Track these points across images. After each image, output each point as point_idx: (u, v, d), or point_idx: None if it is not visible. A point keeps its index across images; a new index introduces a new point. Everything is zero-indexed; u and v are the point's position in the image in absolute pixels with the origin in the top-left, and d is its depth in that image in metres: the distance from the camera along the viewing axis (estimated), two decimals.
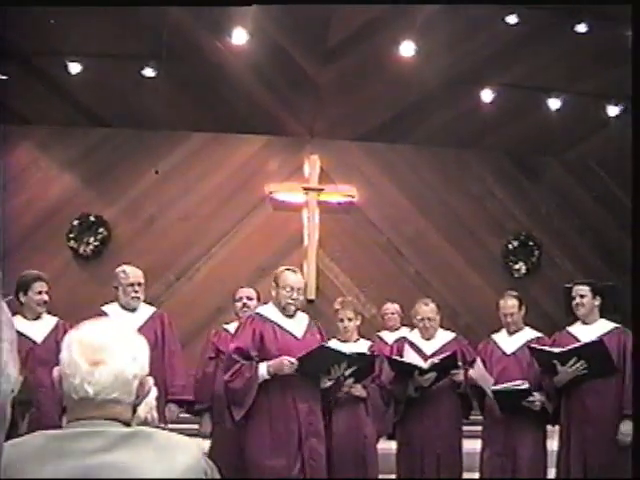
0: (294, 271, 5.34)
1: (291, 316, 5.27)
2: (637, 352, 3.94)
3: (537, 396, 5.57)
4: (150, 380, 1.86)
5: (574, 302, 5.70)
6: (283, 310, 5.23)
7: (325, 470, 5.08)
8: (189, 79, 9.46)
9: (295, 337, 5.21)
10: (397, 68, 8.91)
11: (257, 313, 5.39)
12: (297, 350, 5.03)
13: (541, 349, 5.60)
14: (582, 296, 5.65)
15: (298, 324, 5.29)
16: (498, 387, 5.64)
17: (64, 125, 9.90)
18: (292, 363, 4.93)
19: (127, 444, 1.66)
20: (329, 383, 5.16)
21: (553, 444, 5.77)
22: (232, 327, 6.11)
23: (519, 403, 5.58)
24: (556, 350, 5.49)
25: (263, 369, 5.01)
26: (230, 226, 10.34)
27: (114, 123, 10.05)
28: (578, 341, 5.55)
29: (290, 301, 5.20)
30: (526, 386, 5.55)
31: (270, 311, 5.30)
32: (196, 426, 6.15)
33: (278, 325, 5.21)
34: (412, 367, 5.69)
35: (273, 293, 5.31)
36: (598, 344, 5.35)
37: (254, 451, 5.05)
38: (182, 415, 6.16)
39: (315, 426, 5.05)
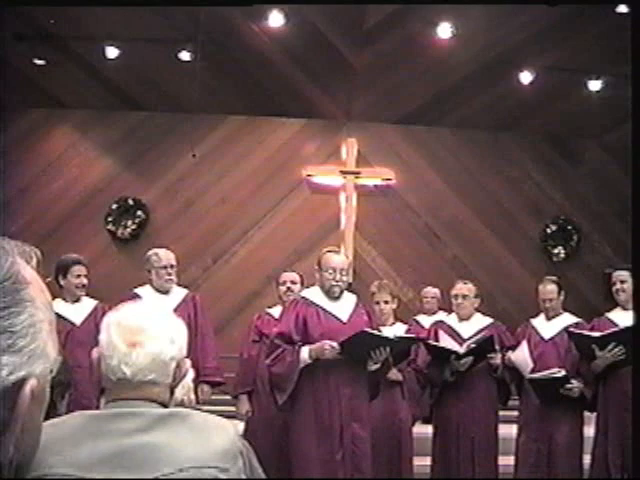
0: (337, 252, 5.35)
1: (337, 298, 5.19)
2: (637, 350, 3.88)
3: (575, 383, 5.52)
4: (187, 362, 1.88)
5: (614, 288, 5.64)
6: (327, 293, 5.16)
7: (369, 456, 4.98)
8: (225, 62, 9.47)
9: (340, 320, 5.12)
10: (434, 50, 8.86)
11: (301, 297, 5.34)
12: (342, 334, 4.92)
13: (580, 333, 5.56)
14: (623, 282, 5.58)
15: (343, 307, 5.20)
16: (535, 375, 5.61)
17: (102, 109, 9.99)
18: (333, 347, 4.86)
19: (163, 425, 1.67)
20: (375, 366, 5.06)
21: (589, 430, 5.71)
22: (275, 311, 6.14)
23: (557, 392, 5.53)
24: (595, 334, 5.44)
25: (305, 353, 4.94)
26: (267, 209, 10.37)
27: (151, 107, 10.11)
28: (617, 327, 5.49)
29: (334, 283, 5.12)
30: (563, 373, 5.50)
31: (314, 294, 5.24)
32: (233, 408, 6.19)
33: (322, 308, 5.14)
34: (449, 351, 5.67)
35: (317, 276, 5.25)
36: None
37: (297, 437, 5.04)
38: (219, 397, 6.20)
39: (358, 411, 4.97)
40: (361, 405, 5.01)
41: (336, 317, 5.14)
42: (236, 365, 6.29)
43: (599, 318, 5.82)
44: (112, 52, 8.91)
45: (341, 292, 5.23)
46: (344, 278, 5.22)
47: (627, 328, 5.33)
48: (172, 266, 5.92)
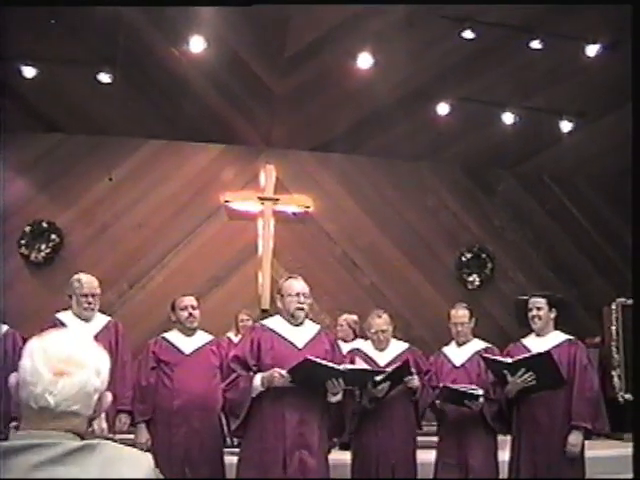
0: (296, 278, 5.26)
1: (298, 325, 5.18)
2: (637, 348, 3.97)
3: (480, 400, 5.62)
4: (109, 395, 1.84)
5: (530, 314, 5.76)
6: (292, 317, 5.14)
7: None
8: (145, 86, 9.40)
9: (295, 346, 5.08)
10: (354, 80, 8.96)
11: (261, 323, 5.33)
12: (295, 360, 4.87)
13: (492, 359, 5.65)
14: (539, 308, 5.71)
15: (302, 334, 5.17)
16: (453, 385, 5.69)
17: (17, 130, 9.75)
18: (282, 376, 4.82)
19: (75, 458, 1.63)
20: (335, 398, 5.03)
21: (505, 454, 5.81)
22: (172, 336, 6.05)
23: (462, 402, 5.63)
24: (507, 360, 5.55)
25: (257, 381, 4.92)
26: (185, 235, 10.29)
27: (68, 128, 9.94)
28: (530, 352, 5.61)
29: (299, 306, 5.12)
30: (479, 392, 5.60)
31: (274, 321, 5.23)
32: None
33: (278, 334, 5.11)
34: (365, 379, 5.68)
35: (279, 304, 5.23)
36: (546, 356, 5.41)
37: (242, 463, 5.01)
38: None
39: (307, 438, 4.90)
40: (310, 432, 4.92)
41: (291, 343, 5.10)
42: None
43: (514, 344, 5.93)
44: (29, 72, 8.73)
45: (305, 318, 5.22)
46: (308, 301, 5.21)
47: (538, 354, 5.45)
48: (93, 295, 5.81)
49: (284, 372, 4.84)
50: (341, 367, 5.01)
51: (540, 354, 5.44)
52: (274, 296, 9.78)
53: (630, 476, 3.71)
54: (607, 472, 7.06)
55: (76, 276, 5.84)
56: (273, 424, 4.88)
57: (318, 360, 4.86)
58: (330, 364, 4.95)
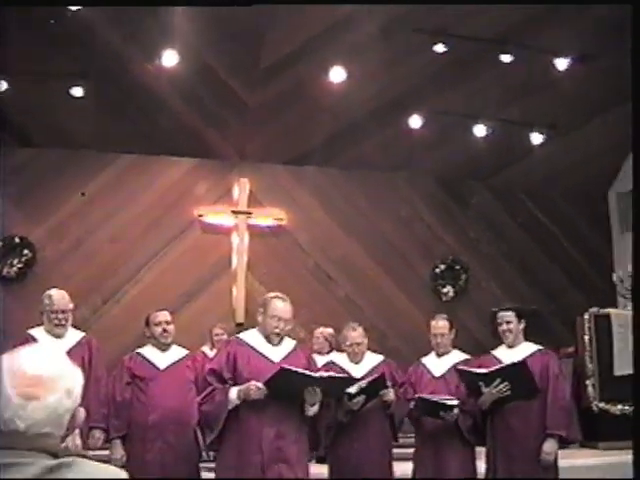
0: (283, 300, 5.14)
1: (275, 343, 5.13)
2: (637, 348, 3.99)
3: (455, 411, 5.64)
4: (82, 412, 1.82)
5: (500, 329, 5.80)
6: (267, 338, 5.10)
7: None
8: (118, 100, 9.36)
9: (271, 361, 5.03)
10: (327, 93, 9.00)
11: (237, 337, 5.30)
12: (271, 374, 4.85)
13: (467, 370, 5.68)
14: (508, 322, 5.75)
15: (278, 349, 5.13)
16: (427, 396, 5.71)
17: None
18: (259, 388, 4.79)
19: (52, 476, 1.62)
20: (312, 410, 4.99)
21: (482, 465, 5.83)
22: (147, 351, 6.02)
23: (437, 413, 5.64)
24: (481, 371, 5.57)
25: (233, 394, 4.87)
26: (158, 249, 10.25)
27: (41, 143, 9.88)
28: (502, 364, 5.64)
29: (276, 331, 5.06)
30: (454, 402, 5.62)
31: (251, 336, 5.18)
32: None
33: (254, 349, 5.07)
34: (341, 387, 5.68)
35: (259, 319, 5.16)
36: (521, 365, 5.44)
37: (219, 477, 4.99)
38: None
39: (285, 452, 4.86)
40: (288, 446, 4.88)
41: (267, 358, 5.06)
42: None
43: (485, 355, 5.97)
44: (0, 85, 8.67)
45: (281, 339, 5.17)
46: (287, 328, 5.12)
47: (513, 364, 5.48)
48: (64, 311, 5.77)
49: (260, 384, 4.82)
50: (316, 375, 4.99)
51: (515, 364, 5.47)
52: (249, 309, 9.89)
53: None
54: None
55: (47, 292, 5.80)
56: (250, 438, 4.84)
57: (293, 368, 4.83)
58: (306, 372, 4.92)
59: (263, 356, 5.08)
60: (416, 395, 5.84)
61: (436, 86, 9.24)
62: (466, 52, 8.72)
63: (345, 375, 5.73)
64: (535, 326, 6.06)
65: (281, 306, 5.10)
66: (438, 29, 8.41)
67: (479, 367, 5.78)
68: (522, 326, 5.79)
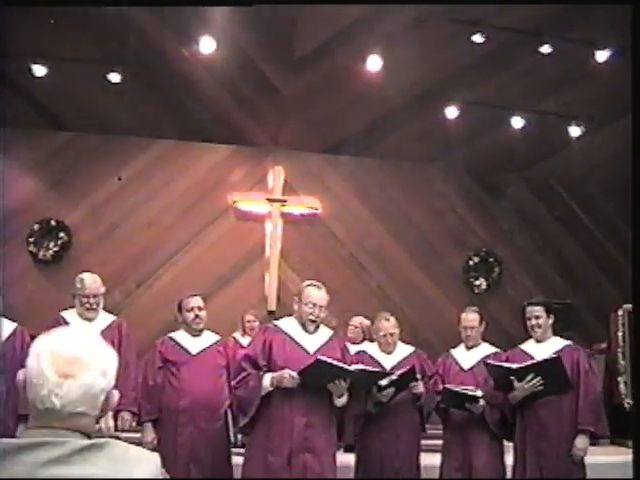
0: (318, 287, 5.19)
1: (310, 330, 5.18)
2: (637, 349, 3.97)
3: (481, 402, 5.62)
4: (116, 394, 1.84)
5: (529, 323, 5.73)
6: (303, 325, 5.16)
7: None
8: (155, 86, 9.42)
9: (307, 351, 5.08)
10: (363, 82, 8.96)
11: (274, 324, 5.33)
12: (305, 364, 4.90)
13: (498, 365, 5.64)
14: (537, 317, 5.68)
15: (314, 339, 5.17)
16: (453, 387, 5.70)
17: (27, 128, 9.78)
18: (293, 377, 4.85)
19: (83, 457, 1.63)
20: (341, 401, 5.04)
21: (510, 459, 5.80)
22: (179, 336, 6.04)
23: (463, 404, 5.64)
24: (514, 366, 5.53)
25: (267, 380, 4.94)
26: (193, 235, 10.31)
27: (78, 127, 9.98)
28: (531, 358, 5.59)
29: (312, 317, 5.10)
30: (479, 393, 5.60)
31: (287, 323, 5.23)
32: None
33: (290, 337, 5.12)
34: (374, 380, 5.68)
35: (295, 307, 5.22)
36: (555, 361, 5.40)
37: (247, 464, 5.02)
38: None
39: (312, 441, 4.90)
40: (316, 436, 4.93)
41: (303, 348, 5.11)
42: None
43: (513, 350, 5.92)
44: (39, 70, 8.77)
45: (317, 326, 5.21)
46: (322, 314, 5.16)
47: (544, 361, 5.44)
48: (95, 295, 5.80)
49: (294, 374, 4.86)
50: (350, 368, 5.03)
51: (550, 359, 5.43)
52: (281, 297, 9.92)
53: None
54: (612, 478, 7.05)
55: (79, 276, 5.84)
56: (280, 426, 4.90)
57: (329, 360, 4.87)
58: (341, 364, 4.96)
59: (299, 345, 5.12)
60: (441, 386, 5.84)
61: (473, 77, 9.17)
62: (504, 42, 8.64)
63: (379, 369, 5.74)
64: (569, 320, 6.02)
65: (316, 293, 5.15)
66: (476, 19, 8.33)
67: (507, 361, 5.75)
68: (551, 321, 5.73)
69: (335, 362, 4.92)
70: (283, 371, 4.90)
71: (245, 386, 5.01)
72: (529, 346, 5.80)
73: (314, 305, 5.11)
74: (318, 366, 4.82)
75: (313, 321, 5.14)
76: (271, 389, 4.94)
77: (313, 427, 4.94)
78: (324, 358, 4.85)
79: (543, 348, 5.69)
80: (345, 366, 5.00)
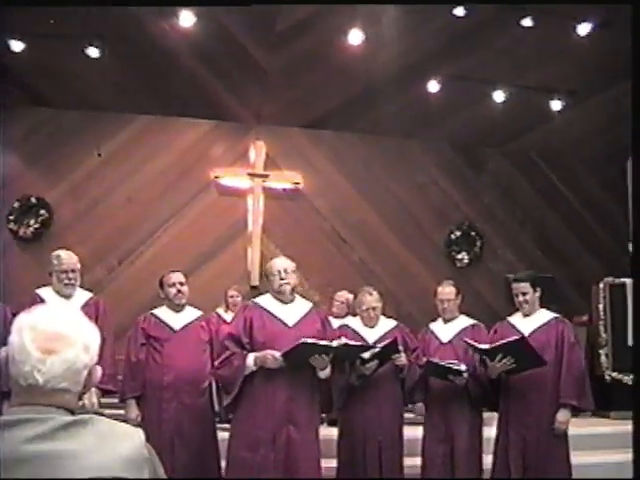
0: (280, 257, 5.43)
1: (288, 303, 5.24)
2: (637, 346, 3.98)
3: (464, 375, 5.66)
4: (99, 370, 1.84)
5: (517, 300, 5.75)
6: (279, 295, 5.21)
7: (308, 459, 4.98)
8: (134, 61, 9.35)
9: (286, 325, 5.14)
10: (345, 56, 8.94)
11: (253, 301, 5.38)
12: (286, 338, 4.94)
13: (471, 344, 5.68)
14: (524, 293, 5.70)
15: (293, 312, 5.23)
16: (436, 360, 5.74)
17: (5, 104, 9.68)
18: (276, 359, 4.89)
19: (68, 432, 1.64)
20: (324, 373, 5.09)
21: (491, 431, 5.85)
22: (160, 312, 6.04)
23: (446, 376, 5.69)
24: (483, 346, 5.57)
25: (250, 360, 4.99)
26: (174, 210, 10.29)
27: (57, 103, 9.89)
28: (518, 332, 5.63)
29: (282, 282, 5.17)
30: (462, 367, 5.65)
31: (265, 299, 5.29)
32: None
33: (269, 312, 5.17)
34: (353, 356, 5.71)
35: (269, 285, 5.31)
36: (520, 341, 5.43)
37: (232, 440, 5.06)
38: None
39: (295, 414, 4.96)
40: (298, 408, 4.99)
41: (282, 321, 5.16)
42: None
43: (501, 322, 5.95)
44: (17, 46, 8.67)
45: (293, 295, 5.28)
46: (290, 277, 5.22)
47: (513, 341, 5.46)
48: (73, 271, 5.77)
49: (277, 354, 4.90)
50: (334, 344, 5.06)
51: (515, 340, 5.45)
52: (264, 272, 9.89)
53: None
54: (593, 449, 7.14)
55: (55, 253, 5.81)
56: (263, 401, 4.95)
57: (313, 341, 4.91)
58: (324, 343, 5.00)
59: (278, 319, 5.17)
60: (425, 358, 5.88)
61: (454, 51, 9.15)
62: (485, 16, 8.62)
63: (362, 343, 5.77)
64: (550, 293, 6.04)
65: (277, 261, 5.32)
66: None
67: (495, 335, 5.79)
68: (538, 294, 5.77)
69: (319, 342, 4.95)
70: (266, 351, 4.94)
71: (229, 365, 5.05)
72: (516, 319, 5.83)
73: (278, 271, 5.19)
74: (302, 347, 4.86)
75: (285, 284, 5.18)
76: (254, 369, 4.98)
77: (295, 401, 4.99)
78: (308, 340, 4.88)
79: (530, 322, 5.72)
80: (328, 343, 5.03)
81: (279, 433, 4.92)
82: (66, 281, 5.74)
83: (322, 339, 5.07)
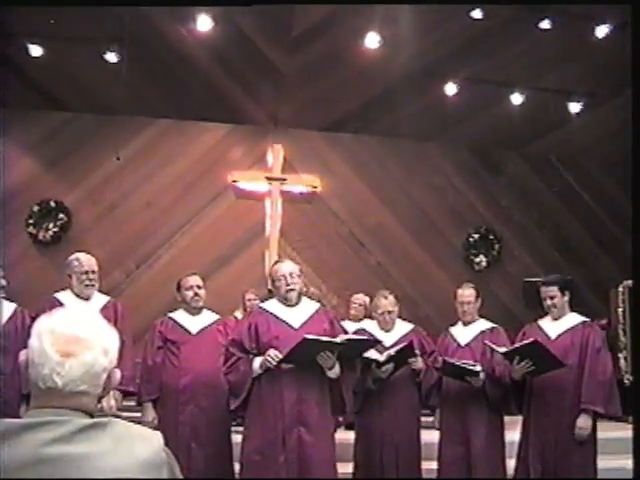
0: (282, 261, 5.38)
1: (294, 306, 5.22)
2: (637, 348, 3.97)
3: (481, 376, 5.64)
4: (117, 373, 1.84)
5: (545, 303, 5.71)
6: (285, 300, 5.18)
7: (319, 460, 4.95)
8: (152, 65, 9.38)
9: (292, 327, 5.12)
10: (362, 59, 8.93)
11: (258, 306, 5.41)
12: (293, 340, 4.90)
13: (491, 347, 5.66)
14: (552, 297, 5.66)
15: (298, 314, 5.21)
16: (453, 360, 5.72)
17: (24, 108, 9.75)
18: (273, 359, 4.88)
19: (86, 435, 1.64)
20: (333, 372, 5.04)
21: (515, 435, 5.82)
22: (178, 316, 6.06)
23: (462, 377, 5.67)
24: (501, 350, 5.55)
25: (256, 363, 4.99)
26: (192, 214, 10.31)
27: (76, 107, 9.94)
28: (545, 335, 5.60)
29: (289, 287, 5.15)
30: (478, 368, 5.62)
31: (271, 304, 5.29)
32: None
33: (274, 315, 5.15)
34: (369, 360, 5.70)
35: (273, 289, 5.31)
36: (534, 344, 5.40)
37: (245, 443, 5.06)
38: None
39: (305, 415, 4.94)
40: (309, 410, 4.97)
41: (287, 324, 5.14)
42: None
43: (530, 325, 5.91)
44: (36, 50, 8.73)
45: (299, 298, 5.26)
46: (297, 281, 5.21)
47: (524, 345, 5.43)
48: (93, 272, 5.80)
49: (274, 353, 4.89)
50: (338, 339, 5.02)
51: (529, 343, 5.42)
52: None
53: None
54: (611, 453, 7.07)
55: (74, 255, 5.84)
56: (272, 403, 4.94)
57: (315, 337, 4.88)
58: (327, 338, 4.97)
59: (283, 322, 5.15)
60: (441, 358, 5.86)
61: (472, 53, 9.13)
62: (503, 18, 8.60)
63: (366, 337, 5.74)
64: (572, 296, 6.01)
65: (282, 265, 5.26)
66: None
67: (523, 337, 5.75)
68: (567, 298, 5.71)
69: (321, 337, 4.93)
70: (268, 352, 4.93)
71: (236, 371, 5.06)
72: (545, 322, 5.79)
73: (284, 276, 5.16)
74: (305, 344, 4.83)
75: (291, 290, 5.16)
76: (261, 372, 4.98)
77: (305, 401, 4.96)
78: (310, 336, 4.86)
79: (558, 325, 5.68)
80: (331, 339, 4.99)
81: (290, 435, 4.90)
82: (87, 282, 5.76)
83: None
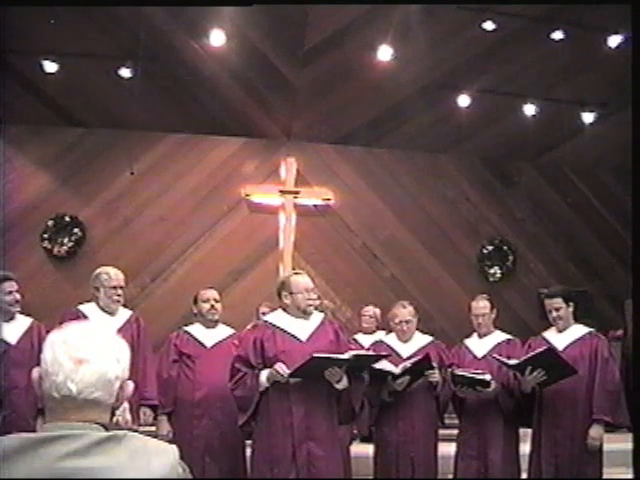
0: (302, 274, 5.27)
1: (300, 318, 5.15)
2: (637, 351, 3.94)
3: (493, 385, 5.61)
4: (130, 384, 1.85)
5: (550, 315, 5.70)
6: (303, 313, 5.12)
7: (330, 474, 4.91)
8: (166, 80, 9.43)
9: (298, 340, 5.07)
10: (374, 72, 8.95)
11: (263, 320, 5.36)
12: (300, 353, 4.87)
13: (501, 360, 5.63)
14: (557, 309, 5.65)
15: (305, 326, 5.14)
16: (461, 372, 5.69)
17: (39, 124, 9.81)
18: (280, 373, 4.84)
19: (102, 448, 1.64)
20: (341, 385, 5.00)
21: (527, 447, 5.79)
22: (194, 329, 6.09)
23: (474, 387, 5.64)
24: (511, 362, 5.52)
25: (263, 377, 4.94)
26: (206, 228, 10.33)
27: (90, 123, 10.00)
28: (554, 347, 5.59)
29: (310, 302, 5.11)
30: (487, 377, 5.59)
31: (276, 316, 5.23)
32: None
33: (280, 329, 5.09)
34: (384, 372, 5.68)
35: (286, 301, 5.16)
36: (547, 352, 5.38)
37: (254, 457, 5.05)
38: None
39: (314, 430, 4.90)
40: (317, 423, 4.93)
41: (294, 337, 5.09)
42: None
43: (535, 337, 5.90)
44: (50, 67, 8.79)
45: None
46: (314, 296, 5.20)
47: (538, 354, 5.40)
48: (121, 287, 5.83)
49: (281, 369, 4.86)
50: (346, 356, 4.98)
51: (543, 351, 5.40)
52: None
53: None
54: (626, 465, 7.01)
55: (103, 269, 5.84)
56: (280, 418, 4.90)
57: (325, 355, 4.85)
58: (336, 356, 4.92)
59: (290, 335, 5.09)
60: (449, 369, 5.84)
61: (484, 65, 9.14)
62: (515, 30, 8.60)
63: (373, 353, 5.71)
64: (583, 308, 5.98)
65: (302, 280, 5.16)
66: (486, 6, 8.30)
67: (529, 348, 5.74)
68: (572, 309, 5.70)
69: (330, 355, 4.89)
70: (275, 365, 4.89)
71: (243, 386, 5.01)
72: (550, 334, 5.78)
73: (307, 290, 5.11)
74: (314, 362, 4.79)
75: (311, 305, 5.13)
76: (268, 385, 4.93)
77: (313, 416, 4.92)
78: (319, 354, 4.82)
79: (564, 337, 5.67)
80: (340, 356, 4.94)
81: (299, 449, 4.86)
82: (115, 297, 5.77)
83: (335, 350, 5.01)
